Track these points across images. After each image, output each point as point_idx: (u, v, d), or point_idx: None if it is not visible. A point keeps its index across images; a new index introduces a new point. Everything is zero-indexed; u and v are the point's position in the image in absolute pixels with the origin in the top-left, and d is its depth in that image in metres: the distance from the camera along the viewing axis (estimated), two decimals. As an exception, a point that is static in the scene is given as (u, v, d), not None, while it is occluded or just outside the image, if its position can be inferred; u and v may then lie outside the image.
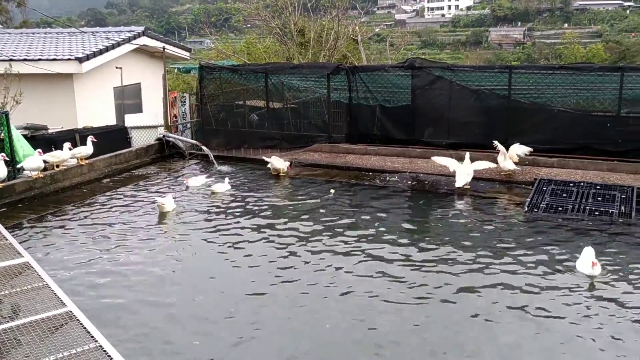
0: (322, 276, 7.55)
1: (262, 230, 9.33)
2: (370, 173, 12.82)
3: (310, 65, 17.59)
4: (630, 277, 7.37)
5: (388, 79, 14.42)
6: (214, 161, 14.18)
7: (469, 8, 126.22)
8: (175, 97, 20.30)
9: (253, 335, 6.08)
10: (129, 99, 19.64)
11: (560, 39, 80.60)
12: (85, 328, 5.40)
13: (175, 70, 25.80)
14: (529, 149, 12.15)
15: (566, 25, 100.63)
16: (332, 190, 11.49)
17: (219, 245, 8.75)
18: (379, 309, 6.62)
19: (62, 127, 14.98)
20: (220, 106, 16.32)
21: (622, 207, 9.91)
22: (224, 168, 13.84)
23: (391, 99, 14.53)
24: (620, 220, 9.50)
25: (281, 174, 12.80)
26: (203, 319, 6.47)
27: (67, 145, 12.26)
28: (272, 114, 15.70)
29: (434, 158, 11.99)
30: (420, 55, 60.43)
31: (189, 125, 18.47)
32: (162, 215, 10.17)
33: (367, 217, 9.93)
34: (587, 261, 7.44)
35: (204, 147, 14.60)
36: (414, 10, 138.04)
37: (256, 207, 10.59)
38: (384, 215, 10.07)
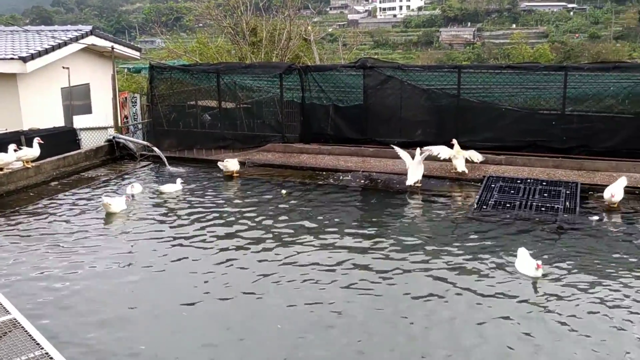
0: (271, 276, 7.57)
1: (211, 232, 9.27)
2: (324, 172, 12.86)
3: (262, 65, 17.53)
4: (573, 271, 7.61)
5: (340, 78, 14.51)
6: (166, 162, 13.97)
7: (420, 9, 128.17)
8: (125, 98, 19.94)
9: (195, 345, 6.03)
10: (77, 99, 19.15)
11: (509, 39, 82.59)
12: (30, 335, 5.24)
13: (126, 70, 25.35)
14: (481, 158, 12.38)
15: (514, 25, 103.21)
16: (283, 192, 11.44)
17: (166, 247, 8.66)
18: (326, 310, 6.66)
19: (6, 129, 14.51)
20: (171, 106, 16.09)
21: (567, 203, 10.22)
22: (176, 169, 13.65)
23: (344, 99, 14.62)
24: (565, 215, 9.78)
25: (234, 175, 12.71)
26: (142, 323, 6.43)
27: (11, 147, 11.87)
28: (225, 114, 15.58)
29: (396, 148, 11.98)
30: (373, 55, 61.03)
31: (140, 126, 18.17)
32: (110, 216, 9.99)
33: (320, 217, 9.95)
34: (527, 262, 7.46)
35: (155, 148, 14.36)
36: (366, 11, 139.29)
37: (205, 209, 10.49)
38: (336, 214, 10.11)
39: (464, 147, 12.40)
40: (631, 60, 49.58)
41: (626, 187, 10.36)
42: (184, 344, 5.96)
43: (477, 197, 10.64)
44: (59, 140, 14.39)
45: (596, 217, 9.72)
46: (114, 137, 14.87)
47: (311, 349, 5.86)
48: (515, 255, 7.81)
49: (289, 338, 6.09)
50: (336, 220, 9.78)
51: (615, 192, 10.01)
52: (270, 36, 25.54)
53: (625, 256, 8.02)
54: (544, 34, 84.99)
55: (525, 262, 7.52)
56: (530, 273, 7.37)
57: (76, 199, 11.23)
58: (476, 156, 12.33)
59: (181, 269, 7.91)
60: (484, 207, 10.28)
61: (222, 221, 9.80)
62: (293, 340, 6.02)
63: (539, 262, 7.35)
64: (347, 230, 9.24)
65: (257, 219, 9.82)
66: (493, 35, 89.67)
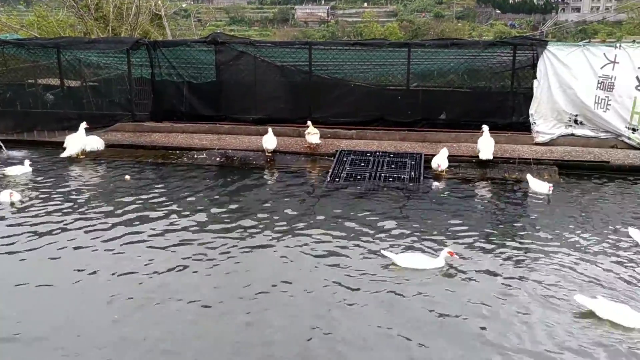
0: (122, 260, 7.32)
1: (55, 215, 8.78)
2: (178, 151, 12.54)
3: (107, 40, 16.61)
4: (416, 233, 8.14)
5: (192, 54, 14.15)
6: (2, 146, 12.84)
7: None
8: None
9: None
10: None
11: (361, 18, 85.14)
12: None
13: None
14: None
15: (366, 4, 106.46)
16: (127, 177, 10.81)
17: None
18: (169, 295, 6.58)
19: None
20: (6, 85, 14.77)
21: (412, 173, 10.86)
22: (16, 153, 12.60)
23: (197, 75, 14.30)
24: (411, 184, 10.40)
25: (79, 156, 11.99)
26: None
27: None
28: (69, 92, 14.58)
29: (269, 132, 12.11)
30: (229, 32, 60.04)
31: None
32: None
33: (173, 197, 9.70)
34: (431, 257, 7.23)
35: (-13, 132, 13.13)
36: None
37: (47, 194, 9.84)
38: (190, 193, 9.92)
39: (316, 122, 12.70)
40: (470, 38, 53.16)
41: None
42: None
43: (330, 170, 10.96)
44: None
45: (436, 183, 10.52)
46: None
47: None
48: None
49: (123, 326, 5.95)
50: (190, 199, 9.60)
51: (440, 162, 10.86)
52: (117, 10, 24.19)
53: (452, 214, 8.75)
54: (394, 13, 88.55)
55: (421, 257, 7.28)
56: (440, 264, 7.07)
57: None
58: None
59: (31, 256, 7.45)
60: (337, 179, 10.61)
61: (67, 208, 9.23)
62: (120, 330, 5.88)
63: (450, 250, 7.15)
64: (199, 208, 9.12)
65: (102, 204, 9.37)
66: (346, 14, 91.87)
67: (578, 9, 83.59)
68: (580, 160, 11.49)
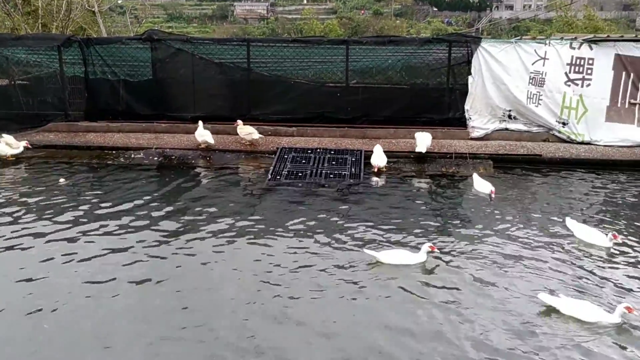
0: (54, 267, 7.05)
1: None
2: (114, 151, 12.21)
3: (36, 37, 15.96)
4: (361, 228, 8.20)
5: (128, 52, 13.82)
6: None
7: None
8: None
9: None
10: None
11: (301, 15, 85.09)
12: None
13: None
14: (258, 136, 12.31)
15: (305, 1, 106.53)
16: (61, 180, 10.38)
17: None
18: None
19: None
20: None
21: (353, 169, 10.95)
22: None
23: (134, 73, 13.99)
24: (352, 180, 10.48)
25: (9, 158, 11.52)
26: None
27: None
28: (-4, 92, 13.97)
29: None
30: (167, 29, 58.94)
31: None
32: None
33: (109, 198, 9.41)
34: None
35: None
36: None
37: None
38: (126, 194, 9.67)
39: (256, 119, 12.66)
40: (409, 35, 53.98)
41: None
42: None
43: (271, 168, 10.91)
44: None
45: (374, 179, 10.67)
46: None
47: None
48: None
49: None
50: (127, 201, 9.33)
51: (378, 162, 10.99)
52: (47, 6, 23.32)
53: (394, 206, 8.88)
54: (333, 10, 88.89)
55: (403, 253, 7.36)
56: (422, 259, 7.13)
57: None
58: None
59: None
60: (278, 177, 10.58)
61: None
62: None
63: (431, 244, 7.18)
64: (136, 210, 8.87)
65: (33, 208, 8.96)
66: (286, 11, 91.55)
67: (511, 7, 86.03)
68: (514, 154, 11.86)
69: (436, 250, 7.16)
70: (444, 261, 7.18)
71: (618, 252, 7.47)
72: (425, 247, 7.12)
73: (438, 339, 5.51)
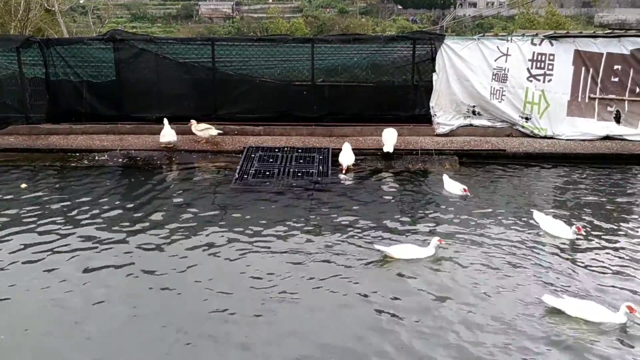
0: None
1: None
2: (78, 154, 11.98)
3: (-8, 38, 15.60)
4: (335, 222, 8.22)
5: (90, 52, 13.56)
6: None
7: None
8: None
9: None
10: None
11: (266, 13, 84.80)
12: None
13: None
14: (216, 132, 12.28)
15: (271, 0, 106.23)
16: (22, 185, 10.13)
17: None
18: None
19: None
20: None
21: (321, 167, 10.96)
22: None
23: (97, 74, 13.71)
24: (319, 178, 10.48)
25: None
26: None
27: None
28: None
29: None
30: (131, 29, 58.13)
31: None
32: None
33: (73, 202, 9.24)
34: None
35: None
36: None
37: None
38: (92, 197, 9.50)
39: (222, 119, 12.63)
40: (374, 33, 54.27)
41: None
42: None
43: (238, 167, 10.85)
44: None
45: (342, 176, 10.71)
46: None
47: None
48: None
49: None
50: (91, 204, 9.17)
51: (347, 160, 11.02)
52: (5, 5, 22.77)
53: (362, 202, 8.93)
54: (299, 9, 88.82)
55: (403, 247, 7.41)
56: (431, 252, 7.26)
57: None
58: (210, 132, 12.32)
59: None
60: (245, 176, 10.53)
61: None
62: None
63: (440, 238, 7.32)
64: (101, 213, 8.74)
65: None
66: (251, 10, 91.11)
67: (475, 4, 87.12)
68: (479, 150, 12.03)
69: (443, 243, 7.26)
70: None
71: (581, 245, 7.66)
72: (434, 241, 7.22)
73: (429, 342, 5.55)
